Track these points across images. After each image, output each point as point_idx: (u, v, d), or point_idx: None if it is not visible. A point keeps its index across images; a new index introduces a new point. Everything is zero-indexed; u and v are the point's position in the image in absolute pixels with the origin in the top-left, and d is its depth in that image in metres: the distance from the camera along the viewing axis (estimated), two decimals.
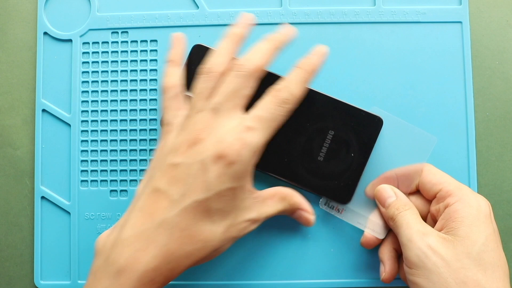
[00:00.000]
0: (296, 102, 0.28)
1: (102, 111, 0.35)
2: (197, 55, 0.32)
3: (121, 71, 0.35)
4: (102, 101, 0.35)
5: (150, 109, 0.35)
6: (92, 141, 0.35)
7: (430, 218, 0.30)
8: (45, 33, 0.36)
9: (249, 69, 0.28)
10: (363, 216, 0.32)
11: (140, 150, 0.35)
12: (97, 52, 0.36)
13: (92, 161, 0.35)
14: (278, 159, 0.32)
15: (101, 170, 0.35)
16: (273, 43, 0.29)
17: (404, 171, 0.31)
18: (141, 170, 0.35)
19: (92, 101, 0.35)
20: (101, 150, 0.35)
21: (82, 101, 0.35)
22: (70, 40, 0.36)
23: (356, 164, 0.32)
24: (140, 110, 0.35)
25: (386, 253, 0.31)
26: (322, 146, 0.32)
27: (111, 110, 0.35)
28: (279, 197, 0.30)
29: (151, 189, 0.27)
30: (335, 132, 0.31)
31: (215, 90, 0.28)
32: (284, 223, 0.33)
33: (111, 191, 0.35)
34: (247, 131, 0.26)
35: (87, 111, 0.35)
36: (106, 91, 0.35)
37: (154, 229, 0.26)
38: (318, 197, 0.33)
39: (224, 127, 0.27)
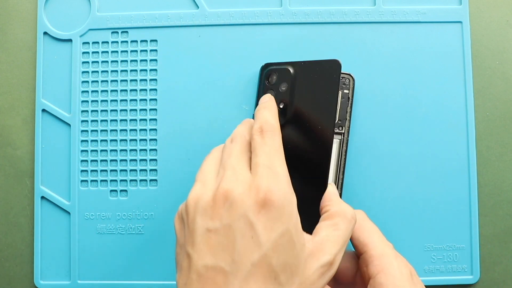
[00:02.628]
0: (277, 128, 0.27)
1: (102, 111, 0.35)
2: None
3: (121, 71, 0.35)
4: (102, 101, 0.35)
5: (150, 109, 0.35)
6: (92, 141, 0.35)
7: (359, 275, 0.28)
8: (45, 33, 0.36)
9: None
10: None
11: (140, 150, 0.35)
12: (97, 52, 0.36)
13: (92, 161, 0.35)
14: None
15: (101, 170, 0.35)
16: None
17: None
18: (141, 170, 0.35)
19: (92, 101, 0.35)
20: (101, 150, 0.35)
21: (82, 101, 0.35)
22: (70, 40, 0.36)
23: None
24: (140, 110, 0.35)
25: None
26: None
27: (111, 110, 0.35)
28: (341, 216, 0.25)
29: (195, 273, 0.22)
30: None
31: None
32: None
33: (111, 191, 0.35)
34: (269, 169, 0.24)
35: (87, 111, 0.35)
36: (106, 91, 0.35)
37: None
38: None
39: (245, 176, 0.24)
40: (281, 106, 0.31)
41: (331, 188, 0.28)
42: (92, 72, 0.35)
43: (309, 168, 0.29)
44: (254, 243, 0.22)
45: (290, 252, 0.22)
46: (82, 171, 0.35)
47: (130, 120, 0.35)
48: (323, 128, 0.29)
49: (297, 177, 0.29)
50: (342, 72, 0.33)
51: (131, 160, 0.35)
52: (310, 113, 0.30)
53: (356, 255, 0.29)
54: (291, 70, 0.31)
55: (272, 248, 0.22)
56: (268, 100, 0.30)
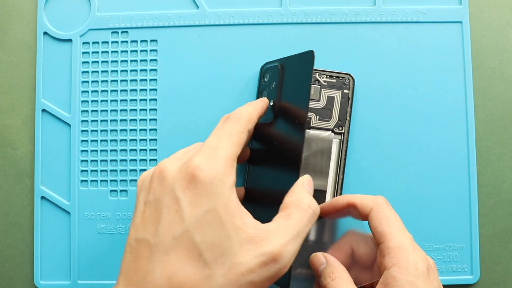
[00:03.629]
0: (244, 119, 0.27)
1: (102, 111, 0.35)
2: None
3: (121, 71, 0.35)
4: (102, 101, 0.35)
5: (150, 109, 0.35)
6: (92, 141, 0.35)
7: (377, 265, 0.28)
8: (45, 33, 0.36)
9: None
10: None
11: (140, 150, 0.35)
12: (97, 52, 0.36)
13: (92, 161, 0.35)
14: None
15: (101, 170, 0.35)
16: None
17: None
18: (141, 170, 0.35)
19: (92, 101, 0.35)
20: (101, 150, 0.35)
21: (82, 101, 0.35)
22: (70, 40, 0.36)
23: None
24: (140, 110, 0.35)
25: None
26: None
27: (111, 110, 0.35)
28: (297, 205, 0.24)
29: (128, 246, 0.23)
30: None
31: None
32: None
33: (111, 191, 0.35)
34: (210, 149, 0.24)
35: (87, 111, 0.35)
36: (106, 91, 0.35)
37: None
38: None
39: (187, 156, 0.25)
40: (271, 104, 0.30)
41: (300, 180, 0.26)
42: (92, 72, 0.35)
43: (288, 162, 0.28)
44: (178, 217, 0.22)
45: (217, 231, 0.22)
46: (82, 171, 0.35)
47: (130, 120, 0.35)
48: (298, 120, 0.28)
49: (280, 172, 0.29)
50: (342, 72, 0.33)
51: (131, 160, 0.35)
52: (290, 107, 0.29)
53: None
54: (279, 67, 0.31)
55: (195, 224, 0.22)
56: (259, 100, 0.30)
